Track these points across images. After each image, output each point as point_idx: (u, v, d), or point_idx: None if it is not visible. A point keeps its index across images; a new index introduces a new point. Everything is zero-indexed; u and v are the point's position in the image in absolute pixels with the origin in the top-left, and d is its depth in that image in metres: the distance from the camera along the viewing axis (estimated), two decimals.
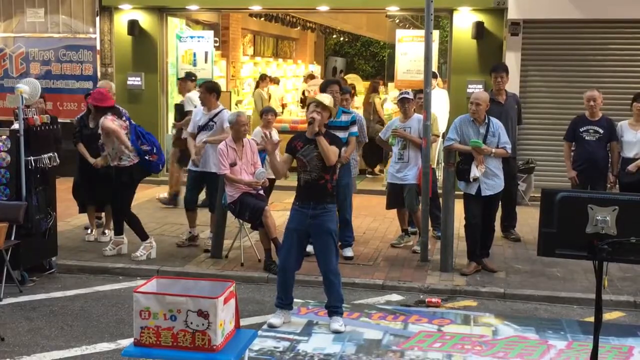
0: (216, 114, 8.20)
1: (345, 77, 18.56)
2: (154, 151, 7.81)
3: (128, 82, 12.65)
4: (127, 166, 7.69)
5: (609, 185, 8.25)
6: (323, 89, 7.84)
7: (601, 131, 8.14)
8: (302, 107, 15.94)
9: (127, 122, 7.84)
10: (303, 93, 17.57)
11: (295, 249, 6.06)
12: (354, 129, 7.87)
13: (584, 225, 3.88)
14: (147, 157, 7.75)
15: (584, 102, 8.22)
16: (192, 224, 8.53)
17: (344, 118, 7.82)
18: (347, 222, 8.03)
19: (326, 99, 6.04)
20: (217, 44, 14.59)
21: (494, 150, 7.31)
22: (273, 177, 8.57)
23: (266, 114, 8.95)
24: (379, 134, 8.81)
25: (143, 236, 7.92)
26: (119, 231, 8.06)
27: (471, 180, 7.26)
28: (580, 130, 8.22)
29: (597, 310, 4.02)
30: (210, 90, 8.24)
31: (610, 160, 8.25)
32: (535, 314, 6.64)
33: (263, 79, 15.89)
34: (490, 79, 8.82)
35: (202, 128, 8.25)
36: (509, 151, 7.53)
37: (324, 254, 6.02)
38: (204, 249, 8.24)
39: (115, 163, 7.69)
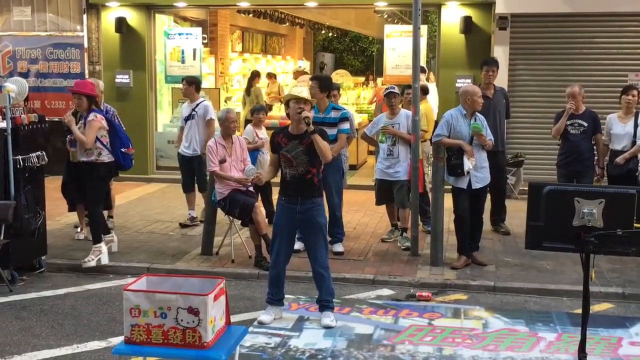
0: (197, 105, 9.20)
1: (335, 72, 18.58)
2: (130, 145, 7.69)
3: (116, 80, 12.61)
4: (107, 162, 7.47)
5: (595, 178, 8.31)
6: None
7: (585, 124, 8.20)
8: None
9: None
10: None
11: (285, 245, 6.07)
12: (344, 125, 7.81)
13: (571, 218, 3.91)
14: (122, 150, 7.55)
15: (566, 98, 8.27)
16: (192, 205, 9.38)
17: (333, 114, 7.79)
18: (337, 219, 8.04)
19: (304, 91, 5.93)
20: (206, 41, 14.56)
21: (488, 141, 7.35)
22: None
23: (257, 112, 9.00)
24: (364, 130, 8.79)
25: (97, 239, 7.50)
26: (106, 231, 8.05)
27: (466, 173, 7.29)
28: (566, 124, 8.27)
29: (585, 301, 4.05)
30: (191, 83, 9.26)
31: (595, 153, 8.33)
32: (525, 306, 6.67)
33: (256, 75, 15.85)
34: (481, 72, 8.84)
35: (187, 118, 9.21)
36: (493, 142, 7.57)
37: (314, 248, 6.02)
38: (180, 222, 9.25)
39: (94, 158, 7.40)
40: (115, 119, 8.86)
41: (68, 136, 7.97)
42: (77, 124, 7.93)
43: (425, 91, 9.82)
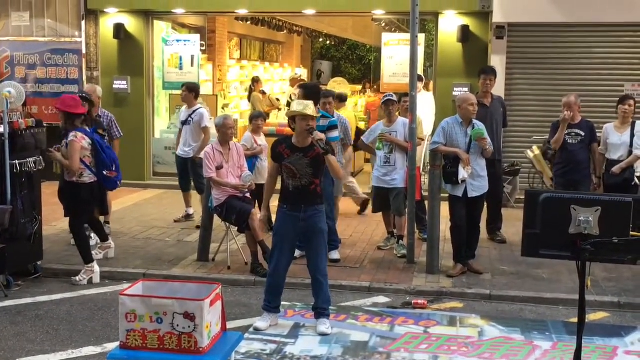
0: (194, 111, 9.55)
1: (332, 80, 18.60)
2: (113, 168, 7.41)
3: (114, 86, 12.60)
4: (88, 183, 7.26)
5: (592, 188, 8.32)
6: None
7: (583, 134, 8.21)
8: None
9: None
10: (291, 97, 17.60)
11: (286, 254, 6.06)
12: (333, 134, 7.77)
13: (567, 225, 3.91)
14: (105, 173, 7.31)
15: (563, 108, 8.28)
16: (188, 204, 9.90)
17: (322, 122, 7.69)
18: (329, 227, 7.99)
19: (309, 107, 5.86)
20: (204, 48, 14.58)
21: (488, 146, 7.35)
22: (264, 182, 8.62)
23: (256, 119, 9.01)
24: (362, 138, 8.81)
25: (87, 259, 7.37)
26: (104, 237, 8.03)
27: (460, 182, 7.30)
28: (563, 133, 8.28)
29: (580, 310, 4.05)
30: (191, 90, 9.65)
31: (592, 162, 8.35)
32: (521, 315, 6.67)
33: (257, 81, 16.03)
34: (478, 81, 8.86)
35: (183, 123, 9.61)
36: (492, 150, 7.58)
37: (315, 254, 6.01)
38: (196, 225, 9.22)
39: (75, 179, 7.19)
40: (113, 125, 8.89)
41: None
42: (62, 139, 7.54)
43: (341, 99, 9.97)
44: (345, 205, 10.04)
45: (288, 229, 5.95)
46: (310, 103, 6.00)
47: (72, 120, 7.17)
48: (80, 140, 7.13)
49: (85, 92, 8.89)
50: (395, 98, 8.36)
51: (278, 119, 15.03)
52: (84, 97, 8.43)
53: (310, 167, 5.85)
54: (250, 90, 15.91)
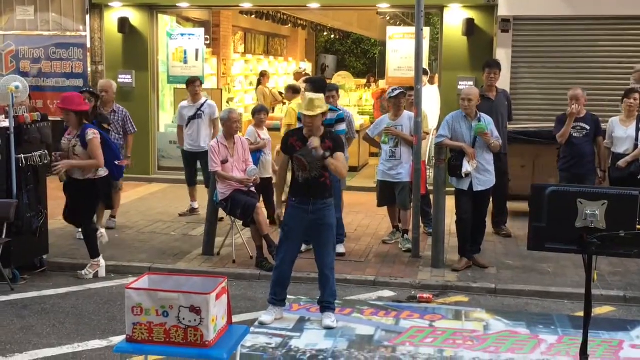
0: (202, 104, 9.64)
1: (337, 74, 18.59)
2: (122, 157, 7.51)
3: (119, 80, 12.56)
4: (104, 176, 7.33)
5: (597, 182, 8.30)
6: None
7: (588, 127, 8.19)
8: None
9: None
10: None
11: (293, 246, 6.05)
12: (341, 127, 7.78)
13: (574, 219, 3.91)
14: (116, 163, 7.40)
15: (569, 101, 8.24)
16: (193, 198, 9.90)
17: (329, 116, 7.68)
18: (337, 220, 8.00)
19: (314, 107, 5.82)
20: (208, 42, 14.57)
21: (492, 140, 7.33)
22: (268, 176, 8.64)
23: (258, 113, 8.98)
24: (367, 132, 8.79)
25: (94, 253, 7.38)
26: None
27: (463, 175, 7.29)
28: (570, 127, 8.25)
29: (587, 303, 4.05)
30: (201, 83, 9.89)
31: (597, 156, 8.33)
32: (526, 309, 6.67)
33: (264, 75, 16.07)
34: (483, 74, 8.83)
35: (192, 118, 9.60)
36: (500, 143, 7.57)
37: (323, 248, 6.00)
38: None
39: (91, 175, 7.18)
40: (127, 121, 8.91)
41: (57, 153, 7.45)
42: (63, 135, 7.47)
43: (294, 90, 9.91)
44: (349, 198, 10.02)
45: (296, 222, 5.94)
46: (321, 99, 5.96)
47: (81, 117, 7.18)
48: (98, 136, 7.19)
49: (92, 87, 8.91)
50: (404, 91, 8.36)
51: (283, 113, 15.00)
52: (91, 92, 8.44)
53: (321, 160, 5.84)
54: (258, 84, 15.94)
